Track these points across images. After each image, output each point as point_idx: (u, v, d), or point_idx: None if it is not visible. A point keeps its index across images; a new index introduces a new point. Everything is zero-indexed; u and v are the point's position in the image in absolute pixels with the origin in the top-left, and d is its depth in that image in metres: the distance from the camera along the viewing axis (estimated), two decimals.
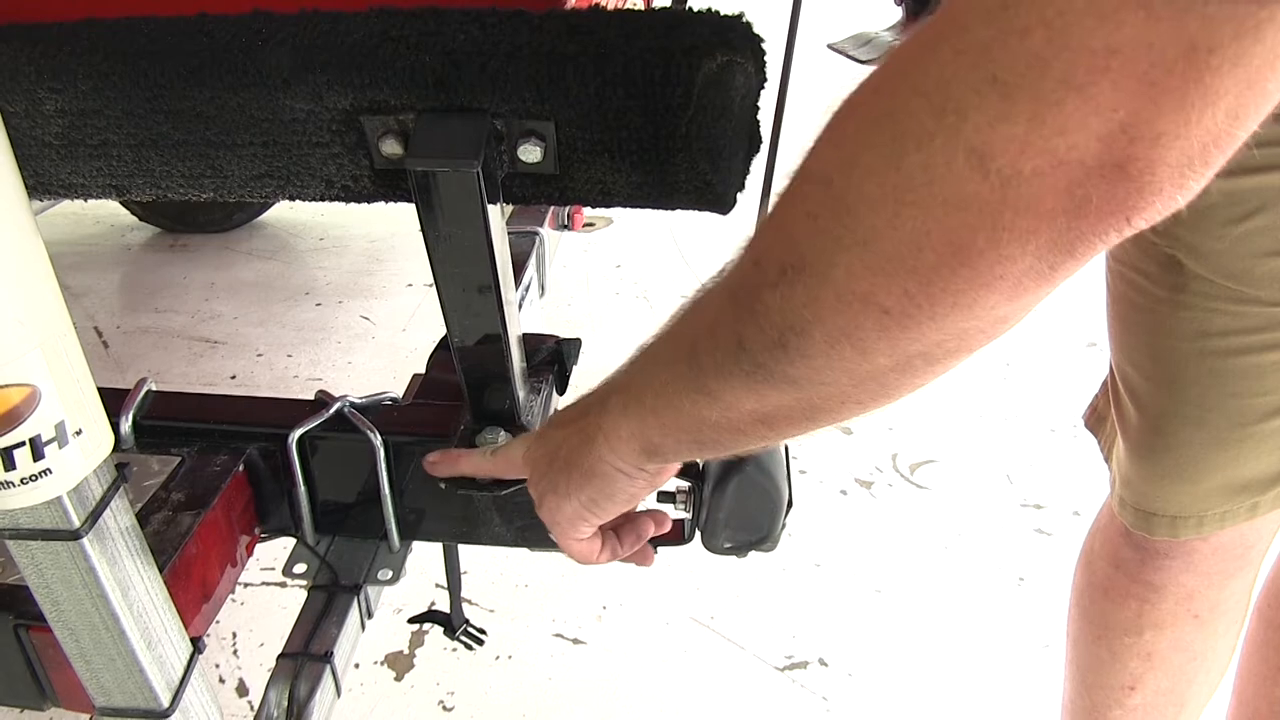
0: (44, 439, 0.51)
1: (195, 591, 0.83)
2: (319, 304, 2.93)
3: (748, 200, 0.75)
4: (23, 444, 0.50)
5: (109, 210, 3.47)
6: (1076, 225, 0.37)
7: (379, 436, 0.89)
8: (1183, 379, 0.95)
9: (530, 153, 0.67)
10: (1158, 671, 1.14)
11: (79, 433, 0.53)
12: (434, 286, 0.75)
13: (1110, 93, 0.33)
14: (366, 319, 2.84)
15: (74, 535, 0.56)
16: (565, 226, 1.79)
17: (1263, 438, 0.95)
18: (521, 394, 0.86)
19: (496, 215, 0.69)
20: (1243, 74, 0.32)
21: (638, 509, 0.81)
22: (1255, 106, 0.34)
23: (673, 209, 0.71)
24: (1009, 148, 0.36)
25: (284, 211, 3.51)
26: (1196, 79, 0.32)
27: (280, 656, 0.91)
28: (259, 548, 0.97)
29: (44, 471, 0.52)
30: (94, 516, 0.57)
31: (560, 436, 0.71)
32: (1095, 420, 1.17)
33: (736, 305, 0.51)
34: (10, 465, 0.50)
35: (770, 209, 0.49)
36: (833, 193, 0.43)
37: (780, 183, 0.50)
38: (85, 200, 0.80)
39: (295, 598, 0.97)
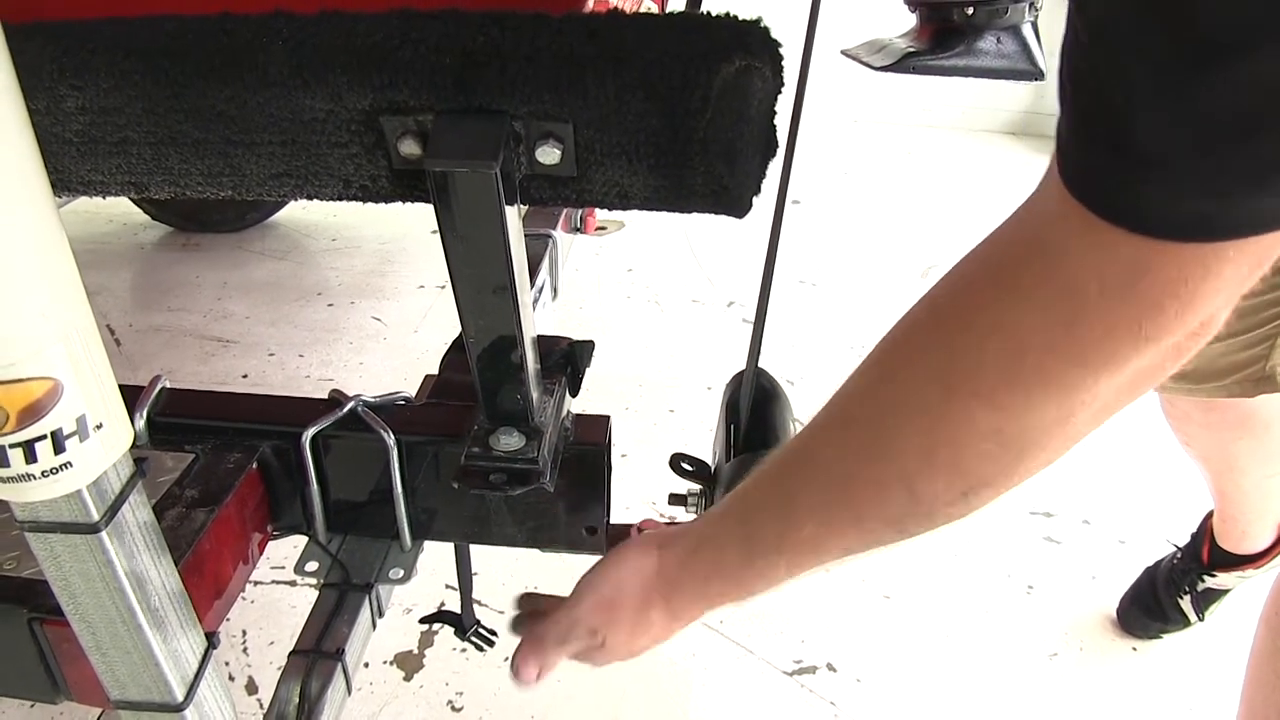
0: (65, 432, 0.51)
1: (209, 587, 0.83)
2: (331, 304, 2.93)
3: (763, 204, 0.75)
4: (44, 437, 0.50)
5: (122, 209, 3.48)
6: (1174, 362, 0.53)
7: (392, 436, 0.89)
8: None
9: (548, 154, 0.67)
10: None
11: (99, 427, 0.53)
12: (446, 288, 0.75)
13: (1216, 304, 0.49)
14: (378, 320, 2.84)
15: (93, 529, 0.56)
16: (578, 230, 1.79)
17: None
18: (535, 395, 0.87)
19: (514, 216, 0.70)
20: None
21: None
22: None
23: (688, 212, 0.72)
24: (1149, 360, 0.51)
25: (296, 212, 3.52)
26: (1251, 279, 0.48)
27: (292, 653, 0.91)
28: (269, 546, 0.97)
29: (65, 465, 0.52)
30: (113, 510, 0.57)
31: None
32: None
33: (906, 527, 0.64)
34: (32, 458, 0.50)
35: (885, 458, 0.62)
36: (1004, 438, 0.56)
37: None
38: (104, 198, 0.81)
39: (304, 596, 0.97)
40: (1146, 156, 0.45)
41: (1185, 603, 1.74)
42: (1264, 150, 0.41)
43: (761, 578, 0.73)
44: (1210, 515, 1.73)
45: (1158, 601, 1.77)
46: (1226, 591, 1.73)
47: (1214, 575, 1.72)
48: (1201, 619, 1.74)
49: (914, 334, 0.62)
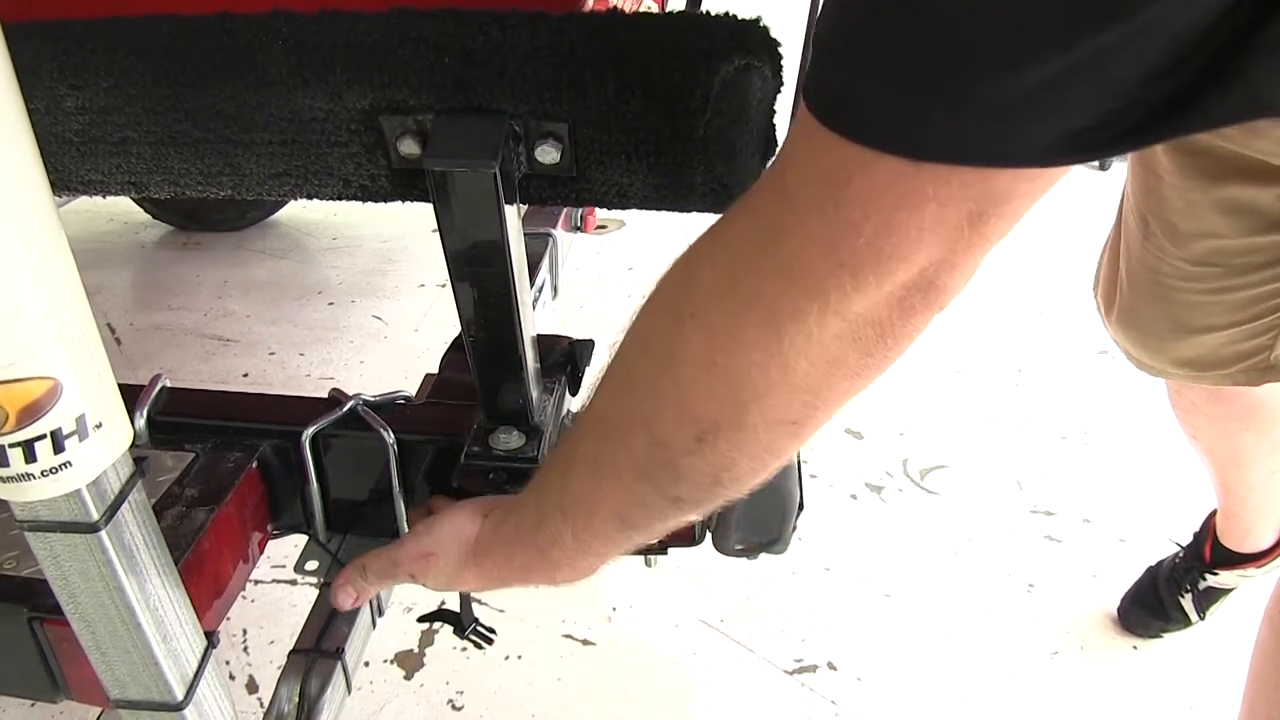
0: (65, 432, 0.51)
1: (208, 586, 0.83)
2: (331, 303, 2.93)
3: None
4: (44, 436, 0.50)
5: (122, 208, 3.48)
6: (908, 323, 0.51)
7: (391, 435, 0.89)
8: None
9: (548, 154, 0.67)
10: None
11: (99, 426, 0.53)
12: (447, 286, 0.75)
13: (925, 253, 0.46)
14: (379, 319, 2.84)
15: (92, 528, 0.56)
16: (578, 228, 1.79)
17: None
18: (535, 394, 0.87)
19: (513, 215, 0.70)
20: (1008, 221, 0.46)
21: None
22: (1011, 228, 0.47)
23: (688, 211, 0.72)
24: (863, 303, 0.48)
25: (297, 211, 3.52)
26: (978, 235, 0.46)
27: (292, 653, 0.91)
28: (269, 546, 0.97)
29: (64, 464, 0.52)
30: (112, 510, 0.57)
31: (511, 547, 0.76)
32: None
33: (655, 479, 0.60)
34: (31, 457, 0.50)
35: (628, 398, 0.61)
36: (721, 371, 0.53)
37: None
38: (104, 197, 0.81)
39: (305, 596, 0.97)
40: (847, 43, 0.43)
41: (1186, 601, 1.74)
42: (956, 55, 0.39)
43: (554, 546, 0.70)
44: (1214, 513, 1.73)
45: (1159, 600, 1.77)
46: (1228, 591, 1.73)
47: (1216, 574, 1.71)
48: (1202, 618, 1.74)
49: (670, 265, 0.59)
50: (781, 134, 0.72)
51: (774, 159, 0.52)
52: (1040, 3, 0.37)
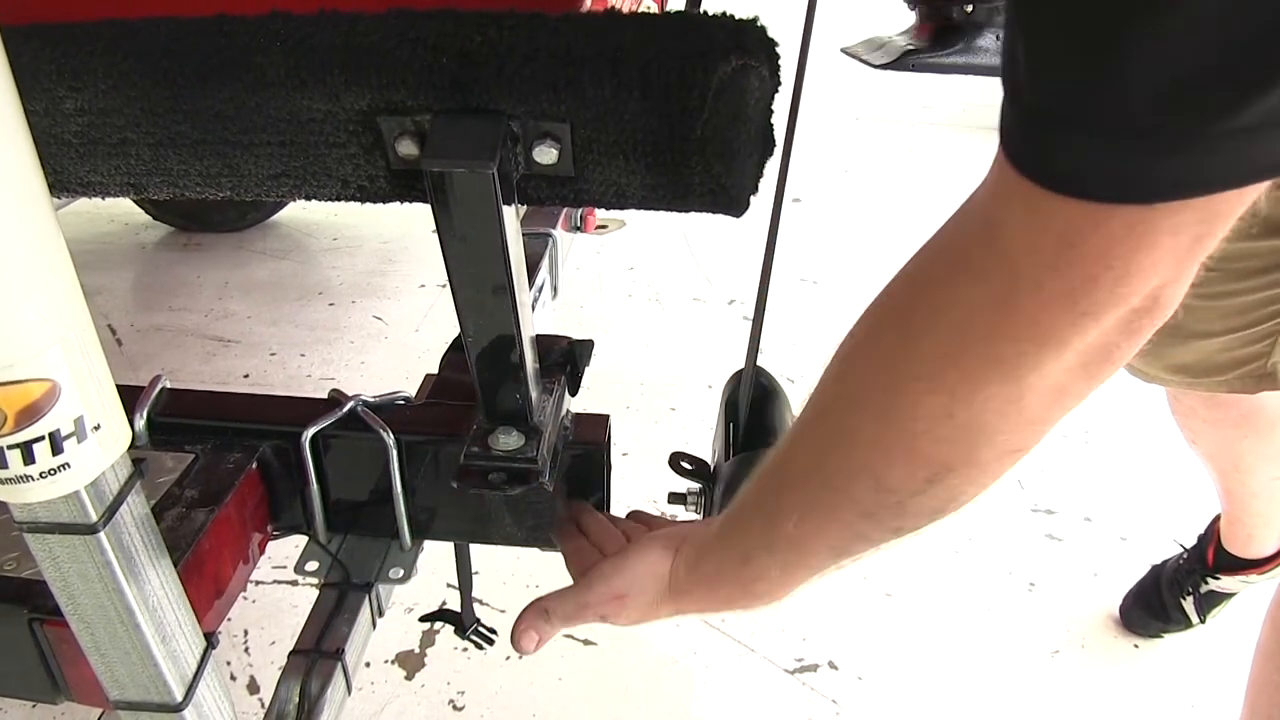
0: (63, 434, 0.51)
1: (208, 587, 0.83)
2: (332, 304, 2.93)
3: (760, 203, 0.75)
4: (42, 438, 0.50)
5: (123, 209, 3.49)
6: (1132, 342, 0.51)
7: (391, 435, 0.89)
8: None
9: (546, 154, 0.67)
10: None
11: (97, 428, 0.53)
12: (447, 287, 0.75)
13: (1157, 282, 0.47)
14: (379, 319, 2.85)
15: (91, 529, 0.56)
16: (578, 228, 1.79)
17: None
18: (534, 394, 0.87)
19: (512, 216, 0.70)
20: (1226, 230, 0.46)
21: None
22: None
23: (686, 211, 0.72)
24: (1099, 338, 0.50)
25: (297, 211, 3.52)
26: (1202, 250, 0.46)
27: (292, 653, 0.91)
28: (270, 546, 0.97)
29: (62, 466, 0.52)
30: (111, 511, 0.57)
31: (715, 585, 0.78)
32: None
33: (880, 519, 0.62)
34: (30, 459, 0.50)
35: (852, 449, 0.62)
36: (957, 423, 0.55)
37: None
38: (103, 199, 0.81)
39: (306, 596, 0.97)
40: (1056, 110, 0.44)
41: (1188, 604, 1.74)
42: (1184, 101, 0.39)
43: (759, 580, 0.72)
44: (1218, 518, 1.73)
45: (1160, 601, 1.77)
46: (1230, 596, 1.73)
47: (1218, 578, 1.71)
48: (1203, 621, 1.74)
49: (870, 320, 0.61)
50: (779, 134, 0.73)
51: (970, 218, 0.54)
52: (1265, 33, 0.36)
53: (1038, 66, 0.43)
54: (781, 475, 0.70)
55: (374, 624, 0.98)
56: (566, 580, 0.86)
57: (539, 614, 0.85)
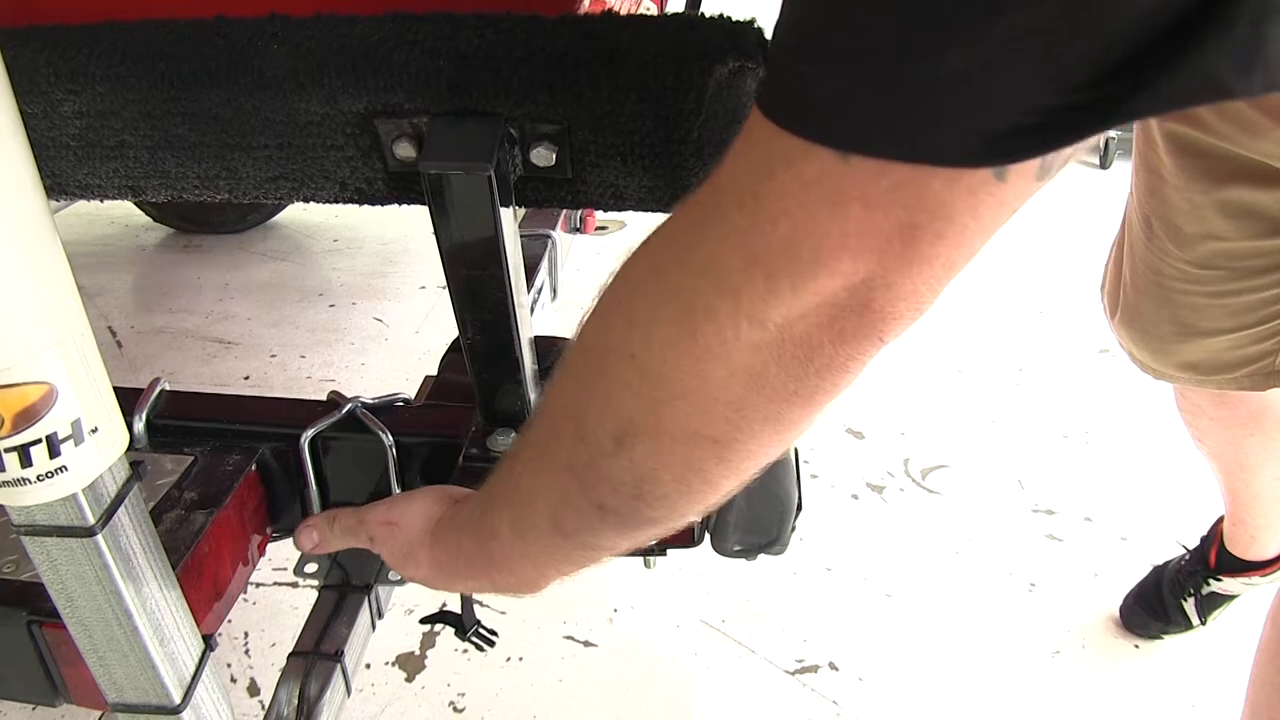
0: (60, 436, 0.51)
1: (207, 590, 0.83)
2: (332, 305, 2.94)
3: None
4: (39, 441, 0.50)
5: (123, 211, 3.49)
6: (840, 348, 0.46)
7: (390, 437, 0.89)
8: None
9: (543, 156, 0.67)
10: None
11: (95, 431, 0.53)
12: (446, 288, 0.75)
13: (850, 263, 0.41)
14: (379, 320, 2.85)
15: (89, 532, 0.56)
16: (577, 230, 1.79)
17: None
18: (533, 396, 0.87)
19: (509, 218, 0.70)
20: (950, 243, 0.41)
21: None
22: (965, 259, 0.43)
23: None
24: (779, 310, 0.44)
25: (298, 213, 3.52)
26: (914, 252, 0.41)
27: (291, 655, 0.91)
28: (271, 547, 0.97)
29: (60, 469, 0.52)
30: (109, 514, 0.57)
31: (459, 542, 0.74)
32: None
33: (581, 478, 0.58)
34: (27, 462, 0.51)
35: (565, 387, 0.58)
36: (639, 365, 0.50)
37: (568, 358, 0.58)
38: (101, 201, 0.81)
39: (307, 598, 0.97)
40: (786, 40, 0.41)
41: (1189, 605, 1.74)
42: (879, 38, 0.36)
43: (493, 538, 0.68)
44: (1221, 519, 1.73)
45: (1161, 602, 1.77)
46: (1232, 598, 1.73)
47: (1219, 580, 1.71)
48: (1204, 623, 1.74)
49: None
50: None
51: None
52: None
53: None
54: (529, 422, 0.67)
55: (374, 626, 0.98)
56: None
57: (326, 519, 0.84)
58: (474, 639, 1.16)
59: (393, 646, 1.72)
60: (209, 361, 2.64)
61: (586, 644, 1.74)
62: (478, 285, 0.74)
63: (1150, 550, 1.92)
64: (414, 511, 0.79)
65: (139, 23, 0.69)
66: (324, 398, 0.94)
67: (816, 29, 0.39)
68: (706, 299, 0.46)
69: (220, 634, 0.77)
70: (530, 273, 1.35)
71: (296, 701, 0.87)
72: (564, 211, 1.57)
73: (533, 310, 1.28)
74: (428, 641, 1.74)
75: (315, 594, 0.97)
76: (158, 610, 0.64)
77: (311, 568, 0.97)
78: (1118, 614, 1.83)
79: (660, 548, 0.99)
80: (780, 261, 0.43)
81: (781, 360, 0.46)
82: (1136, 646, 1.78)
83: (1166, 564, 1.82)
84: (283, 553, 1.04)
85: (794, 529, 0.88)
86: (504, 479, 0.67)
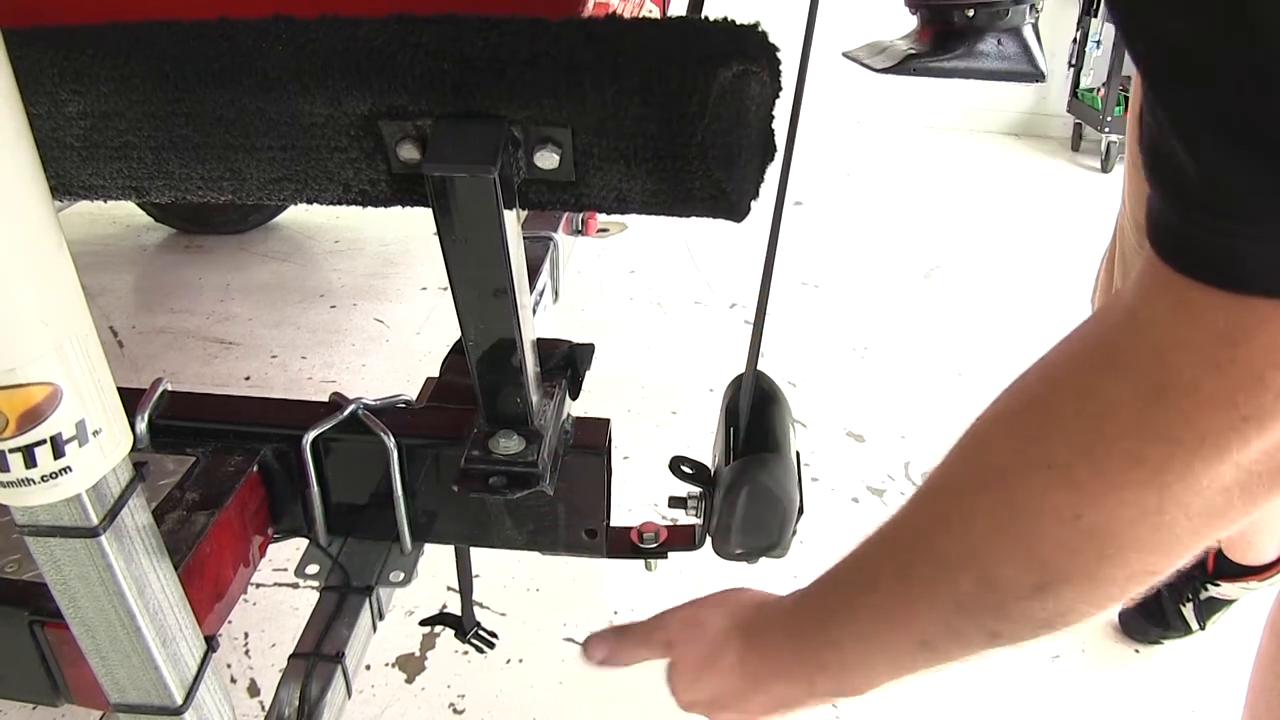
0: (64, 437, 0.51)
1: (209, 590, 0.83)
2: (333, 306, 2.94)
3: (762, 206, 0.75)
4: (44, 442, 0.50)
5: (125, 211, 3.49)
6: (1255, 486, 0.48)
7: (392, 439, 0.89)
8: None
9: (547, 159, 0.67)
10: None
11: (98, 432, 0.53)
12: (448, 290, 0.75)
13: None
14: (380, 322, 2.85)
15: (92, 533, 0.56)
16: (579, 232, 1.80)
17: None
18: (535, 398, 0.87)
19: (512, 220, 0.70)
20: None
21: None
22: None
23: (687, 216, 0.72)
24: (1262, 448, 0.45)
25: (299, 214, 3.52)
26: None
27: (292, 656, 0.91)
28: (271, 549, 0.97)
29: (64, 469, 0.52)
30: (112, 514, 0.57)
31: (780, 679, 0.75)
32: None
33: (974, 615, 0.58)
34: (31, 463, 0.51)
35: (957, 533, 0.58)
36: (1084, 526, 0.51)
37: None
38: (105, 201, 0.81)
39: (307, 599, 0.97)
40: (1213, 198, 0.41)
41: (1188, 610, 1.74)
42: None
43: (831, 647, 0.69)
44: None
45: (1160, 607, 1.77)
46: (1230, 602, 1.73)
47: (1218, 585, 1.71)
48: (1203, 628, 1.74)
49: (1004, 398, 0.58)
50: (780, 139, 0.73)
51: (1113, 311, 0.52)
52: None
53: (1199, 162, 0.41)
54: (885, 541, 0.67)
55: (374, 627, 0.98)
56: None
57: (613, 631, 0.85)
58: (474, 641, 1.16)
59: (393, 648, 1.72)
60: (210, 362, 2.64)
61: None
62: (481, 288, 0.74)
63: None
64: (716, 612, 0.80)
65: (144, 23, 0.69)
66: (325, 399, 0.94)
67: (1252, 190, 0.40)
68: (1184, 464, 0.47)
69: (220, 635, 0.77)
70: (532, 274, 1.35)
71: (298, 702, 0.87)
72: (566, 214, 1.57)
73: (535, 312, 1.28)
74: (428, 643, 1.73)
75: (314, 595, 0.97)
76: (160, 611, 0.64)
77: (313, 569, 0.98)
78: (1117, 619, 1.82)
79: (662, 550, 0.99)
80: (1273, 411, 0.44)
81: (1247, 493, 0.48)
82: (1136, 651, 1.78)
83: None
84: (283, 554, 1.04)
85: (795, 532, 0.88)
86: (846, 593, 0.68)
